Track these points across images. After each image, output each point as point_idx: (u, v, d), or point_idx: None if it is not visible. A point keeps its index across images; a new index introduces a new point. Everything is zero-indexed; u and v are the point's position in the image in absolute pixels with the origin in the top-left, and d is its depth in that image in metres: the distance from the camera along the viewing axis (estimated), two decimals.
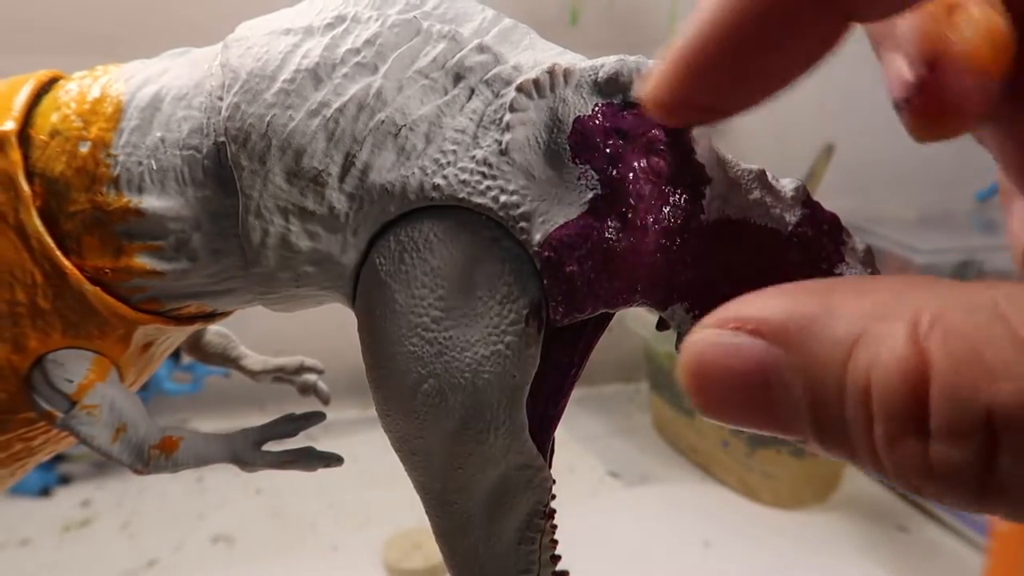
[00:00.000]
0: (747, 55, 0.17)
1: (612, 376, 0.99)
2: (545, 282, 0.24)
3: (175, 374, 0.77)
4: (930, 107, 0.17)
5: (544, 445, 0.26)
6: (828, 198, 0.29)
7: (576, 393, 0.27)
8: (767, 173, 0.27)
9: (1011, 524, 0.59)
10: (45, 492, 0.74)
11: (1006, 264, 0.96)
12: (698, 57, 0.17)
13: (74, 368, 0.27)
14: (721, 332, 0.15)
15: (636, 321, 0.83)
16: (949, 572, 0.67)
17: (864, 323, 0.13)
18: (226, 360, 0.39)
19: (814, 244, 0.26)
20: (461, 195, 0.24)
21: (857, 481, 0.80)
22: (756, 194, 0.26)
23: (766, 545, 0.69)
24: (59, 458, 0.77)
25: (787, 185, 0.27)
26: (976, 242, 0.91)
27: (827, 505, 0.76)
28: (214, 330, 0.39)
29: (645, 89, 0.19)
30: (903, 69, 0.18)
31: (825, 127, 0.91)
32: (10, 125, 0.26)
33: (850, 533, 0.71)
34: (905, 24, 0.18)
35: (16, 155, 0.26)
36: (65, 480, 0.76)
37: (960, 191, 1.02)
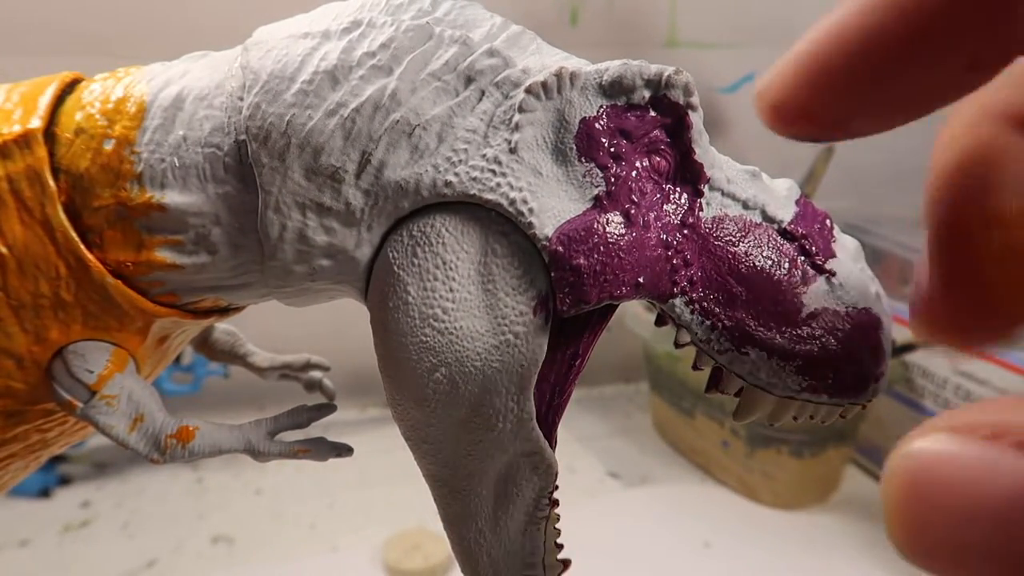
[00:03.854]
0: (894, 66, 0.14)
1: (612, 377, 1.00)
2: (553, 274, 0.25)
3: (175, 375, 0.77)
4: None
5: (550, 432, 0.27)
6: (828, 198, 0.29)
7: (576, 393, 0.28)
8: (761, 172, 0.28)
9: None
10: (45, 493, 0.74)
11: None
12: (831, 61, 0.14)
13: (94, 359, 0.27)
14: (962, 441, 0.10)
15: (636, 322, 0.83)
16: None
17: None
18: (234, 357, 0.40)
19: (807, 239, 0.27)
20: (472, 191, 0.25)
21: (857, 481, 0.80)
22: (751, 192, 0.27)
23: (766, 545, 0.69)
24: (59, 459, 0.77)
25: (780, 184, 0.28)
26: None
27: (827, 505, 0.76)
28: (222, 328, 0.39)
29: (762, 90, 0.16)
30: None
31: None
32: (36, 123, 0.27)
33: (850, 533, 0.71)
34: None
35: (42, 151, 0.26)
36: (65, 481, 0.76)
37: None
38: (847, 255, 0.27)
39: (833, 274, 0.26)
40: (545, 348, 0.26)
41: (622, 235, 0.25)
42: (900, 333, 0.81)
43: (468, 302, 0.25)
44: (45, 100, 0.27)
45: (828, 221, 0.28)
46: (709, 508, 0.75)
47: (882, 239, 0.89)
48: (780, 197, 0.27)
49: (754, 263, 0.26)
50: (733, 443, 0.76)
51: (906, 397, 0.76)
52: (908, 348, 0.71)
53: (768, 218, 0.27)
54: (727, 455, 0.77)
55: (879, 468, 0.80)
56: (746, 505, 0.75)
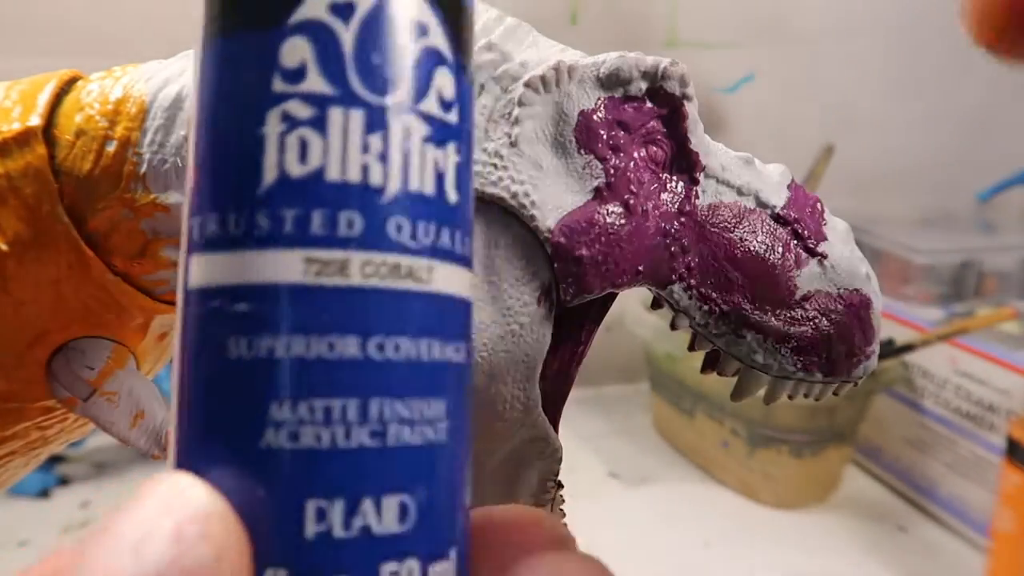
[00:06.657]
0: None
1: (613, 377, 0.99)
2: (556, 265, 0.26)
3: None
4: None
5: (555, 419, 0.27)
6: (828, 198, 0.30)
7: (576, 393, 0.28)
8: (754, 159, 0.29)
9: (1011, 524, 0.59)
10: (44, 493, 0.74)
11: (1006, 264, 0.96)
12: None
13: (94, 356, 0.28)
14: None
15: (636, 322, 0.83)
16: (949, 572, 0.67)
17: None
18: None
19: (799, 223, 0.28)
20: (474, 186, 0.26)
21: (857, 481, 0.80)
22: (745, 178, 0.28)
23: (766, 545, 0.69)
24: (58, 459, 0.77)
25: (773, 170, 0.29)
26: (976, 242, 0.91)
27: (827, 505, 0.76)
28: None
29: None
30: None
31: (825, 127, 0.91)
32: (36, 120, 0.27)
33: (850, 533, 0.71)
34: None
35: (42, 149, 0.26)
36: (64, 482, 0.76)
37: (960, 191, 1.02)
38: (838, 237, 0.28)
39: (825, 256, 0.27)
40: (550, 337, 0.26)
41: (622, 225, 0.26)
42: (900, 333, 0.80)
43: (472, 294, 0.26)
44: (44, 98, 0.27)
45: (819, 204, 0.29)
46: (709, 508, 0.75)
47: (882, 239, 0.89)
48: (773, 183, 0.28)
49: (749, 248, 0.27)
50: (733, 443, 0.76)
51: (906, 397, 0.76)
52: (908, 348, 0.71)
53: (762, 204, 0.27)
54: (727, 455, 0.77)
55: (879, 468, 0.80)
56: (746, 505, 0.75)
